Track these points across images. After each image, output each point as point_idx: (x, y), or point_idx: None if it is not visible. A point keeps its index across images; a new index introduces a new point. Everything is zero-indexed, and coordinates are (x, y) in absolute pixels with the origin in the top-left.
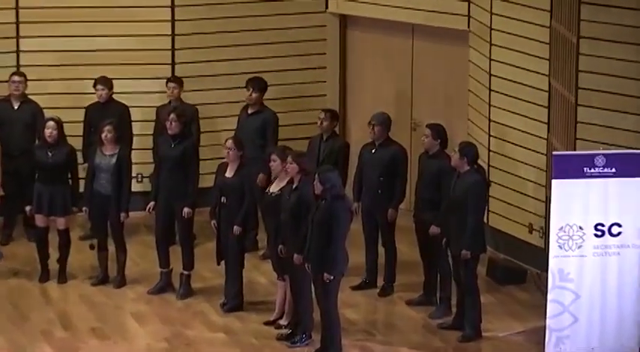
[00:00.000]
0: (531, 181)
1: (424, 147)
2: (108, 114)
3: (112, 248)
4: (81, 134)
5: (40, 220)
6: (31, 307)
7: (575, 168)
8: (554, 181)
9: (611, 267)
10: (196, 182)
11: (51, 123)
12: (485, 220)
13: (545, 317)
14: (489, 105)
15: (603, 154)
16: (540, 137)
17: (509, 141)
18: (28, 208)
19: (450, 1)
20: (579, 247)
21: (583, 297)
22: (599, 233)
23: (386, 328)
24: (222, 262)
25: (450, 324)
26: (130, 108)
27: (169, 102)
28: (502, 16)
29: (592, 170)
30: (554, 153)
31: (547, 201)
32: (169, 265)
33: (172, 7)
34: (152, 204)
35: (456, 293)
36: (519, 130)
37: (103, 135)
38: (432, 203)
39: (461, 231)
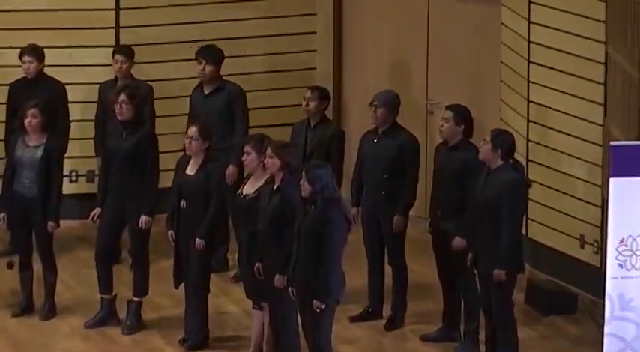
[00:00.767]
0: (582, 180)
1: (442, 135)
2: (37, 93)
3: (37, 266)
4: (3, 119)
5: None
6: None
7: None
8: (612, 180)
9: None
10: (156, 182)
11: None
12: (523, 231)
13: None
14: (528, 82)
15: None
16: (594, 123)
17: (553, 129)
18: None
19: None
20: None
21: None
22: None
23: None
24: (182, 285)
25: None
26: (67, 86)
27: (116, 78)
28: None
29: None
30: (613, 143)
31: (603, 206)
32: (112, 290)
33: None
34: (98, 210)
35: (485, 326)
36: (567, 114)
37: (27, 121)
38: (454, 208)
39: (492, 245)
